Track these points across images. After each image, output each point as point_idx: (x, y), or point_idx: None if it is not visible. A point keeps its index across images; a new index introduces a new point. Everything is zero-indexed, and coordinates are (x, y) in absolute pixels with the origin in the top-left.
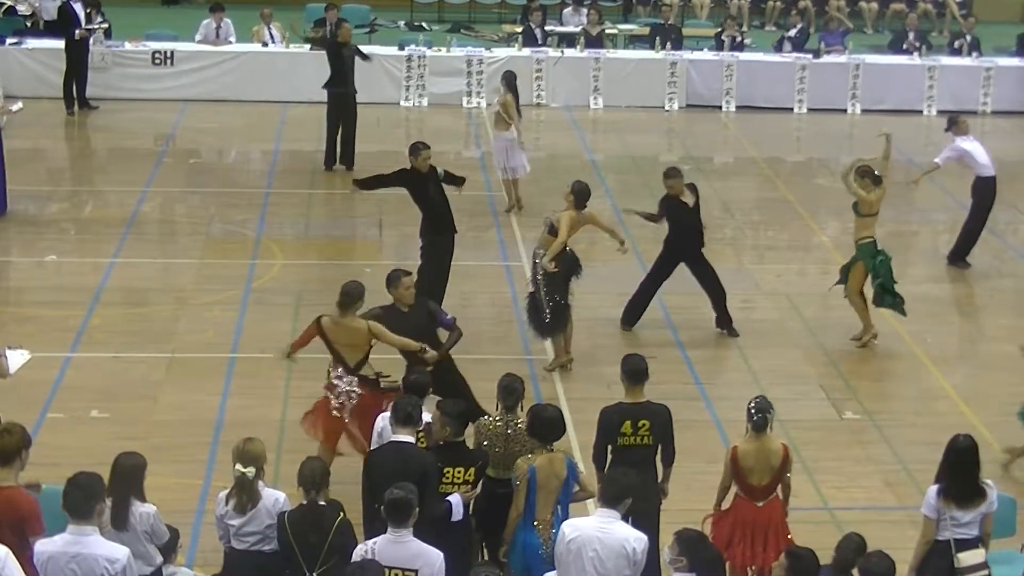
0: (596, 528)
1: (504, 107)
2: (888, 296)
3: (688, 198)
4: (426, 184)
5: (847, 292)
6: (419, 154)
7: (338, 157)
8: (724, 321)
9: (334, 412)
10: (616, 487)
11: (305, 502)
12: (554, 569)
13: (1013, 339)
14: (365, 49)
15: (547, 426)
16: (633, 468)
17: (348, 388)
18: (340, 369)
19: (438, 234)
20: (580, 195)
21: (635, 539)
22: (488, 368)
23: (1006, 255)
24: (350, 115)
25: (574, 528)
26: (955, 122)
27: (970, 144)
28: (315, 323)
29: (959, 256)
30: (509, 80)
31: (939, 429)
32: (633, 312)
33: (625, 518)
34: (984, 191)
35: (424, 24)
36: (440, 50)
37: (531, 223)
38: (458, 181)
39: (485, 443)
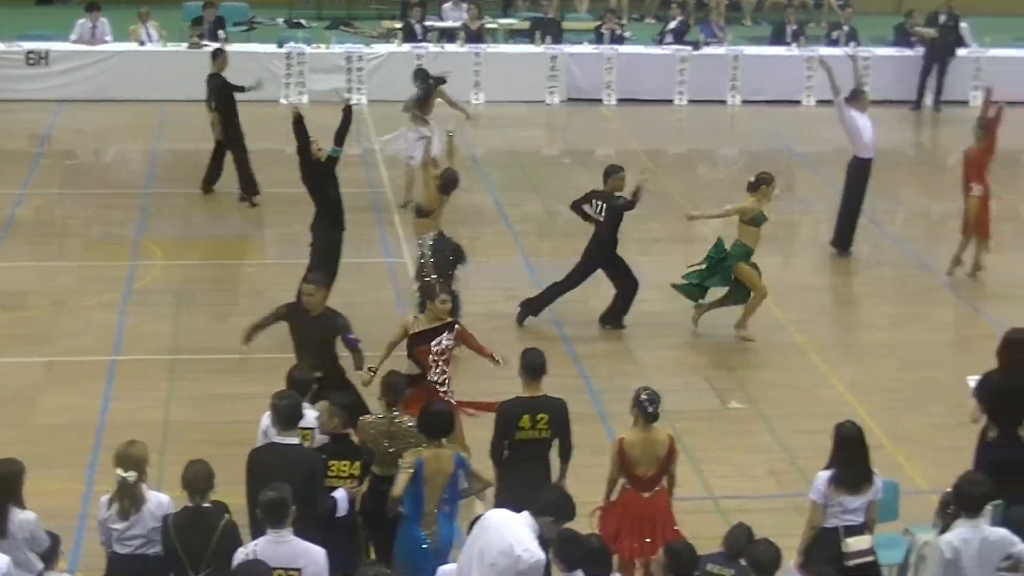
0: (505, 522)
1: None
2: (696, 289)
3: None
4: (323, 176)
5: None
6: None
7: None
8: (616, 316)
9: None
10: (554, 502)
11: (190, 504)
12: (439, 562)
13: (893, 327)
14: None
15: (436, 422)
16: (530, 462)
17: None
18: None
19: (334, 229)
20: (448, 182)
21: (527, 549)
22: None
23: (885, 243)
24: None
25: (494, 513)
26: (857, 96)
27: (863, 121)
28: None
29: (843, 242)
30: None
31: (822, 417)
32: (536, 307)
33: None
34: (859, 173)
35: (303, 21)
36: (319, 47)
37: (412, 219)
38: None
39: (369, 441)
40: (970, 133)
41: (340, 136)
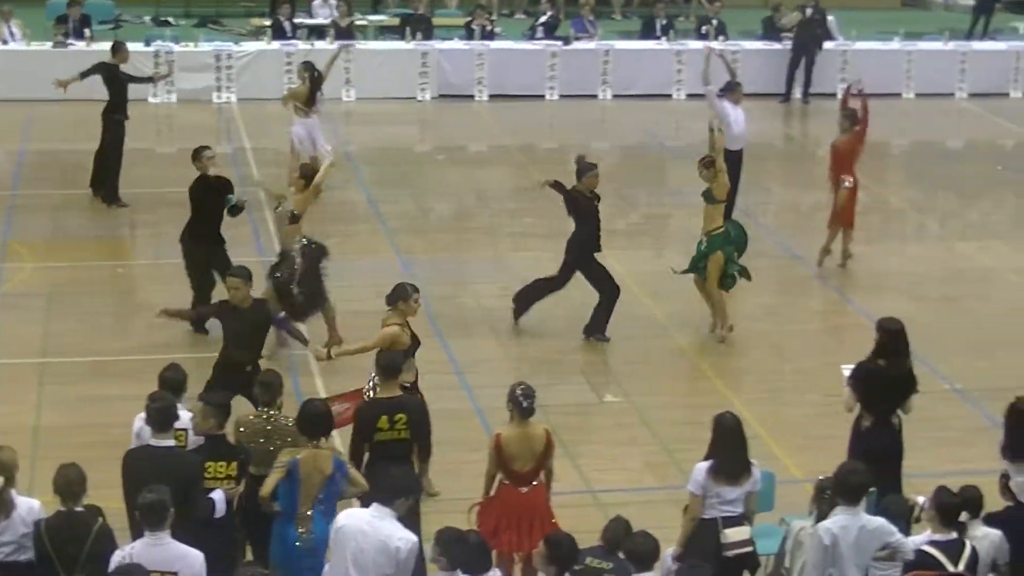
0: (365, 521)
1: (295, 96)
2: (730, 279)
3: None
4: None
5: (705, 285)
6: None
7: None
8: (599, 327)
9: None
10: (392, 486)
11: (63, 509)
12: (311, 560)
13: (766, 318)
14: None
15: (313, 421)
16: (391, 463)
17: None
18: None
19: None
20: (308, 176)
21: (401, 538)
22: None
23: (758, 235)
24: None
25: (347, 516)
26: (733, 88)
27: (736, 114)
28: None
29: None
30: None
31: (698, 409)
32: (524, 304)
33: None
34: (729, 164)
35: (170, 19)
36: (188, 45)
37: None
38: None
39: (245, 440)
40: (837, 125)
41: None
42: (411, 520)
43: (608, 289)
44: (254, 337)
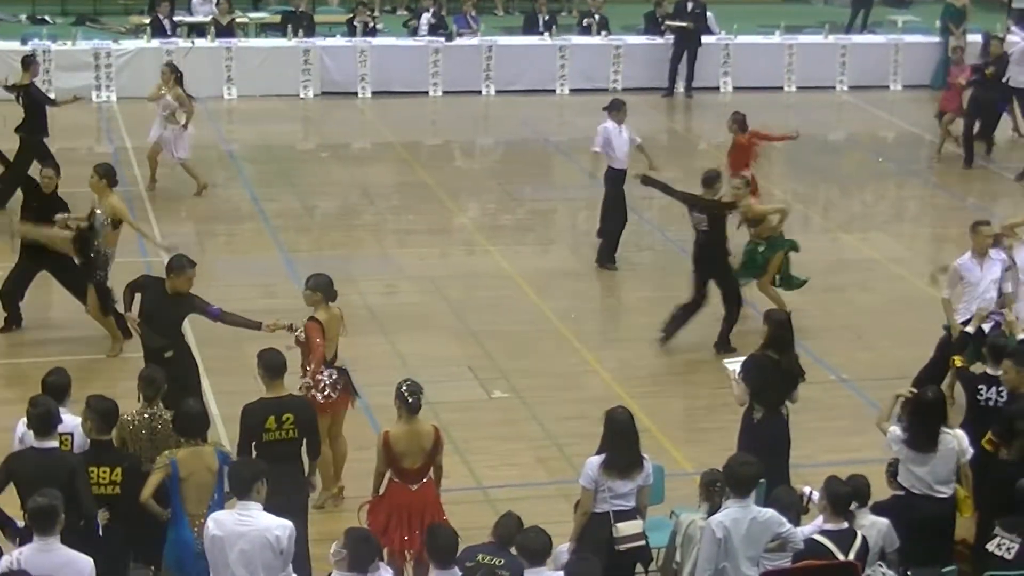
0: (237, 522)
1: (180, 98)
2: (796, 280)
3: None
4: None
5: (760, 284)
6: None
7: None
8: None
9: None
10: (242, 477)
11: None
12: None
13: (653, 311)
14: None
15: (189, 421)
16: (279, 462)
17: (330, 380)
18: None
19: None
20: (109, 174)
21: (278, 527)
22: (137, 366)
23: (643, 229)
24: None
25: (217, 523)
26: (617, 107)
27: (617, 135)
28: (314, 321)
29: (608, 257)
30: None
31: (587, 403)
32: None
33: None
34: (616, 183)
35: (47, 17)
36: (66, 44)
37: (169, 217)
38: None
39: (129, 439)
40: (721, 120)
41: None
42: (298, 518)
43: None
44: (171, 327)
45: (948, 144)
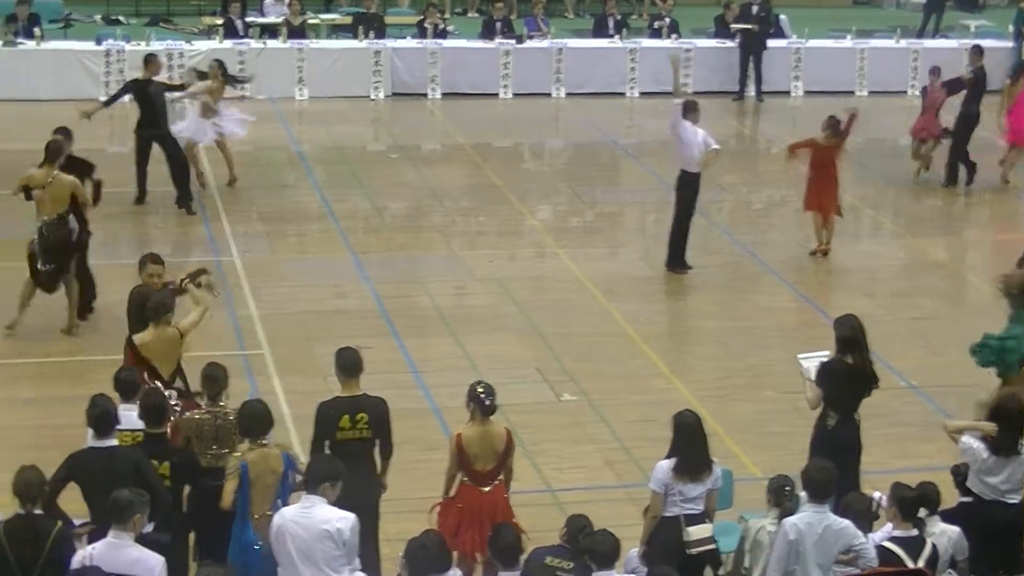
0: (299, 515)
1: (212, 93)
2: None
3: None
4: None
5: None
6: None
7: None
8: None
9: None
10: (317, 472)
11: (21, 512)
12: (273, 563)
13: (721, 315)
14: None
15: (253, 421)
16: (352, 462)
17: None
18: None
19: None
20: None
21: (338, 519)
22: (200, 366)
23: (712, 232)
24: (169, 157)
25: (280, 516)
26: (693, 108)
27: (695, 135)
28: (129, 347)
29: (677, 261)
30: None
31: (654, 406)
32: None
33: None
34: (688, 187)
35: (121, 18)
36: (139, 44)
37: (240, 217)
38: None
39: (193, 436)
40: (791, 123)
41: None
42: (369, 517)
43: None
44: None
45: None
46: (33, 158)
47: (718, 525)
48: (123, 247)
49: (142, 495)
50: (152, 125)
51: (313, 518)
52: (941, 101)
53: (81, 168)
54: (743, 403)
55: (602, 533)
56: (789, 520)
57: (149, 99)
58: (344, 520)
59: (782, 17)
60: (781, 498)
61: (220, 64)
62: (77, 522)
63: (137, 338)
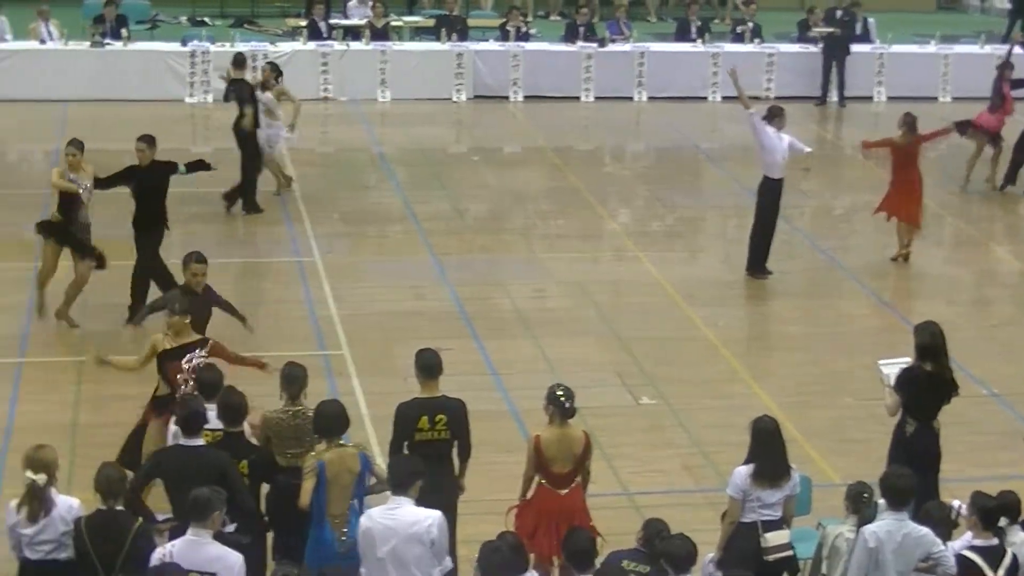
0: (386, 516)
1: (282, 94)
2: None
3: None
4: (141, 178)
5: None
6: (136, 147)
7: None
8: None
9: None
10: (401, 472)
11: (103, 508)
12: (349, 563)
13: (801, 320)
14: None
15: (329, 421)
16: (431, 463)
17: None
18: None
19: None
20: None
21: (426, 518)
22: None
23: (794, 238)
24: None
25: (368, 518)
26: (777, 114)
27: (778, 141)
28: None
29: (758, 266)
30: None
31: (733, 411)
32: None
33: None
34: (770, 194)
35: (206, 19)
36: (224, 45)
37: (321, 218)
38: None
39: (272, 435)
40: (874, 128)
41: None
42: (447, 518)
43: None
44: (201, 323)
45: None
46: (121, 158)
47: (796, 531)
48: (203, 247)
49: (220, 493)
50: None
51: (402, 519)
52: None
53: (167, 169)
54: (822, 409)
55: (679, 537)
56: (868, 527)
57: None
58: (432, 519)
59: (871, 20)
60: (859, 505)
61: (274, 66)
62: (160, 517)
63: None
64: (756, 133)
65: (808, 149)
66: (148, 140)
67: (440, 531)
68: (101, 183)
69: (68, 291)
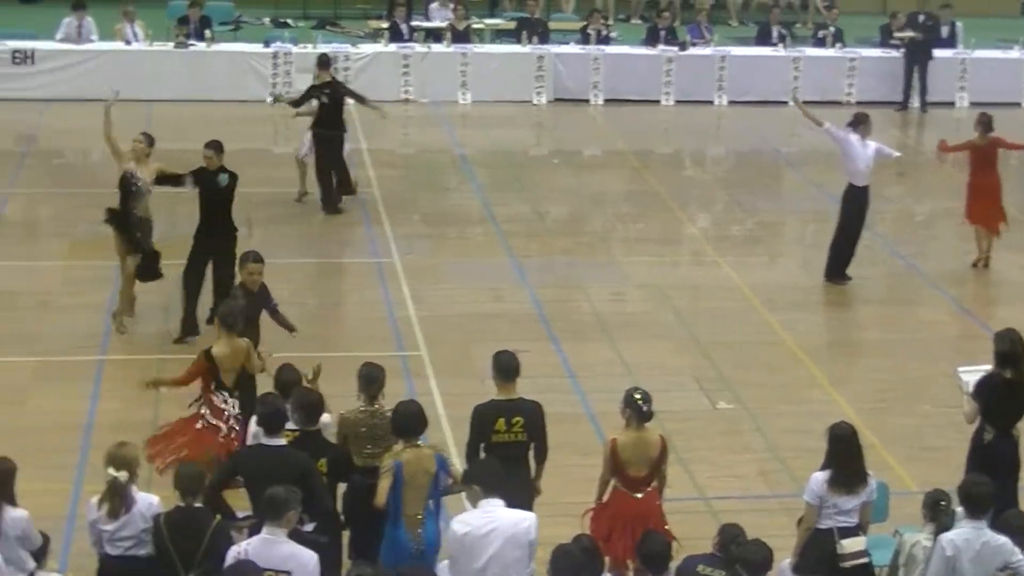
0: (484, 519)
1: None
2: None
3: None
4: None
5: None
6: (203, 153)
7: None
8: None
9: (221, 439)
10: (491, 474)
11: (182, 505)
12: (424, 563)
13: (881, 327)
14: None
15: (407, 422)
16: (507, 464)
17: (235, 412)
18: (223, 394)
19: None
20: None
21: (524, 519)
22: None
23: (873, 244)
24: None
25: (462, 524)
26: (862, 121)
27: (862, 148)
28: (204, 358)
29: (837, 272)
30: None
31: (811, 417)
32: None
33: None
34: (854, 202)
35: (289, 21)
36: (306, 47)
37: (401, 219)
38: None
39: (350, 435)
40: (955, 134)
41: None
42: None
43: None
44: (252, 322)
45: None
46: (197, 158)
47: (872, 538)
48: (282, 247)
49: (296, 492)
50: (336, 126)
51: (503, 520)
52: None
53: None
54: (900, 416)
55: (755, 543)
56: (946, 536)
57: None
58: (530, 519)
59: (958, 24)
60: (937, 513)
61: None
62: (240, 515)
63: (215, 349)
64: (837, 143)
65: (897, 153)
66: (215, 146)
67: (536, 532)
68: (164, 179)
69: (122, 290)
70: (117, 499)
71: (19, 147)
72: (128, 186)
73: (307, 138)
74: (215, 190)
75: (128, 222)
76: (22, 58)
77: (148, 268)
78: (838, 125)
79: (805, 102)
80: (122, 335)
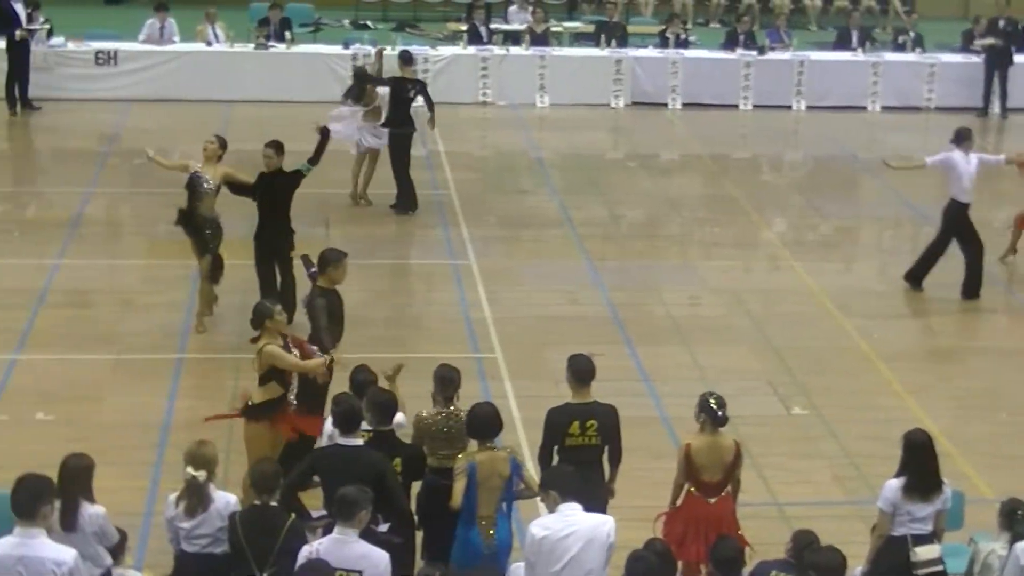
0: (563, 521)
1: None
2: None
3: None
4: (263, 184)
5: None
6: (263, 152)
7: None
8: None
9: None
10: (569, 479)
11: (257, 503)
12: (496, 565)
13: (958, 335)
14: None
15: (482, 424)
16: (581, 468)
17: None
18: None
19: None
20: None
21: (603, 522)
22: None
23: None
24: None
25: (541, 527)
26: (966, 136)
27: (965, 165)
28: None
29: (917, 279)
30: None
31: (886, 423)
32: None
33: None
34: (955, 218)
35: (369, 23)
36: (385, 49)
37: (477, 221)
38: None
39: (425, 437)
40: None
41: (315, 156)
42: None
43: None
44: (341, 317)
45: None
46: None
47: (947, 547)
48: (360, 249)
49: (367, 492)
50: (408, 124)
51: (583, 522)
52: None
53: (292, 180)
54: (977, 424)
55: (829, 549)
56: (1021, 545)
57: (394, 96)
58: (610, 522)
59: None
60: (1013, 522)
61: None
62: (315, 514)
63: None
64: (944, 168)
65: (1000, 158)
66: (276, 146)
67: (615, 535)
68: (232, 185)
69: (200, 290)
70: (195, 497)
71: (101, 147)
72: (195, 186)
73: (362, 132)
74: (275, 192)
75: (195, 222)
76: (105, 59)
77: (214, 271)
78: (932, 152)
79: (884, 108)
80: (200, 334)
